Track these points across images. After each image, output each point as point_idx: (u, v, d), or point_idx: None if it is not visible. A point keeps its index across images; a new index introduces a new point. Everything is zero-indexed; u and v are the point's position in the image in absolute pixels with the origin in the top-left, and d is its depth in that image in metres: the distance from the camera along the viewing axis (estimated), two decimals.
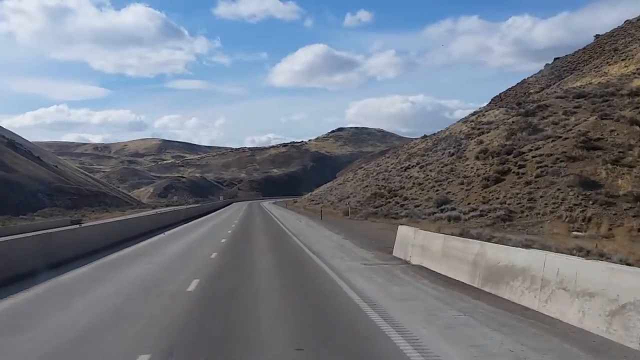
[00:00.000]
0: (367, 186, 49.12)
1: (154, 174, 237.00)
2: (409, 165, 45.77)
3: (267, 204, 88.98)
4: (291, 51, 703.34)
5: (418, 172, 40.79)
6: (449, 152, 40.25)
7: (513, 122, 40.86)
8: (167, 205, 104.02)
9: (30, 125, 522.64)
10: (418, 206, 32.69)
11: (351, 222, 32.71)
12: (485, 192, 31.18)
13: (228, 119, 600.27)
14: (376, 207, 35.72)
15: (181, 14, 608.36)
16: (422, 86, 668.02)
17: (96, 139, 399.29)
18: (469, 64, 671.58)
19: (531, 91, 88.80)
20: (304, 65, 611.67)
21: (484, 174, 32.97)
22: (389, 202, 36.12)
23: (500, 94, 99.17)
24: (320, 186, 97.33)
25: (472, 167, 35.14)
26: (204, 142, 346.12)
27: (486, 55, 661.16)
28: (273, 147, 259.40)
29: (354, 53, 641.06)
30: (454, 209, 29.92)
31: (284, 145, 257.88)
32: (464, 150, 38.66)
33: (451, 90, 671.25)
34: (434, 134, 60.50)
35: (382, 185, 42.48)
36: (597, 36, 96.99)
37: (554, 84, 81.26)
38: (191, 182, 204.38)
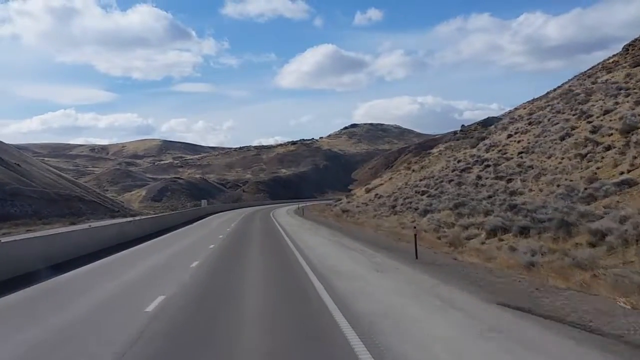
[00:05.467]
0: None
1: (149, 176, 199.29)
2: None
3: (290, 219, 41.90)
4: (299, 52, 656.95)
5: None
6: None
7: None
8: (130, 217, 64.74)
9: (37, 130, 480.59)
10: None
11: None
12: None
13: (235, 121, 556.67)
14: None
15: (188, 14, 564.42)
16: (431, 86, 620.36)
17: (103, 143, 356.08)
18: (479, 63, 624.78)
19: None
20: (312, 66, 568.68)
21: None
22: None
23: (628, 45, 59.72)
24: (351, 185, 58.89)
25: None
26: (210, 145, 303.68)
27: (496, 54, 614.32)
28: (281, 145, 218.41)
29: (362, 53, 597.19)
30: None
31: (293, 143, 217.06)
32: None
33: (460, 91, 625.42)
34: None
35: None
36: None
37: None
38: (189, 184, 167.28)
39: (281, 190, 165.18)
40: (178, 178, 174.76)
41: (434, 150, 55.41)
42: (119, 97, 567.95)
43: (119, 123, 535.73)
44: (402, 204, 29.71)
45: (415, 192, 31.66)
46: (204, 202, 78.78)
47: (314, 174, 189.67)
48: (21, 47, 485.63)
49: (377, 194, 39.69)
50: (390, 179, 48.92)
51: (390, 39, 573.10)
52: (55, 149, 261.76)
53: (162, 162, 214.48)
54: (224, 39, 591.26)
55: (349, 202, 47.92)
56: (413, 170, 43.54)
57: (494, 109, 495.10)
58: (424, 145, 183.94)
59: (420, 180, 35.16)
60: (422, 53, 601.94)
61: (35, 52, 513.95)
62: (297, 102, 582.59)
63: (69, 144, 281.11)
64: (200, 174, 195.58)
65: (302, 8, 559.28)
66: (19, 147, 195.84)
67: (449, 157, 38.51)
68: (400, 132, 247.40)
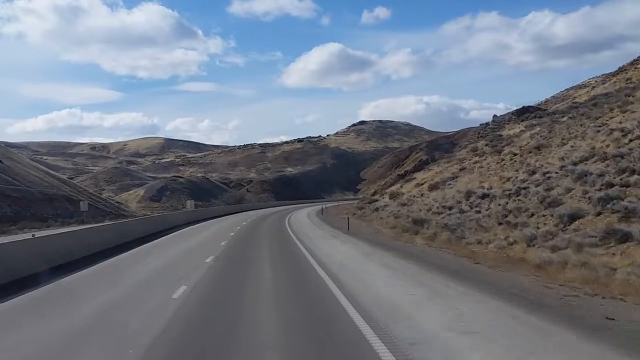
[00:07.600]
0: None
1: (149, 175, 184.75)
2: None
3: (345, 250, 18.75)
4: (306, 50, 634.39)
5: None
6: None
7: None
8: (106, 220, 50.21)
9: (42, 129, 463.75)
10: None
11: None
12: None
13: (241, 120, 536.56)
14: None
15: (194, 13, 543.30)
16: (437, 86, 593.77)
17: (107, 142, 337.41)
18: (486, 62, 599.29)
19: None
20: (319, 65, 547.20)
21: None
22: None
23: None
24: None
25: None
26: (214, 144, 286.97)
27: (504, 53, 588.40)
28: (287, 143, 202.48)
29: (369, 52, 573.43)
30: None
31: (299, 140, 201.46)
32: None
33: (467, 90, 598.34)
34: None
35: None
36: None
37: None
38: (190, 182, 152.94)
39: (287, 189, 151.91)
40: (179, 177, 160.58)
41: (507, 132, 39.41)
42: (125, 96, 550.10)
43: (125, 122, 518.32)
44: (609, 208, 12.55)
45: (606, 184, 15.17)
46: (190, 204, 62.59)
47: (321, 173, 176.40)
48: (26, 46, 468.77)
49: (467, 192, 23.42)
50: (462, 169, 33.07)
51: (397, 38, 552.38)
52: (55, 147, 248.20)
53: (164, 161, 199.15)
54: (230, 38, 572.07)
55: (403, 204, 31.38)
56: (514, 154, 27.56)
57: (501, 109, 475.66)
58: (435, 143, 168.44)
59: (561, 167, 19.17)
60: (429, 52, 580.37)
61: (40, 50, 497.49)
62: (303, 101, 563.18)
63: (69, 143, 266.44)
64: (203, 172, 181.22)
65: (309, 7, 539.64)
66: (20, 146, 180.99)
67: (597, 126, 22.57)
68: (410, 130, 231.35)
